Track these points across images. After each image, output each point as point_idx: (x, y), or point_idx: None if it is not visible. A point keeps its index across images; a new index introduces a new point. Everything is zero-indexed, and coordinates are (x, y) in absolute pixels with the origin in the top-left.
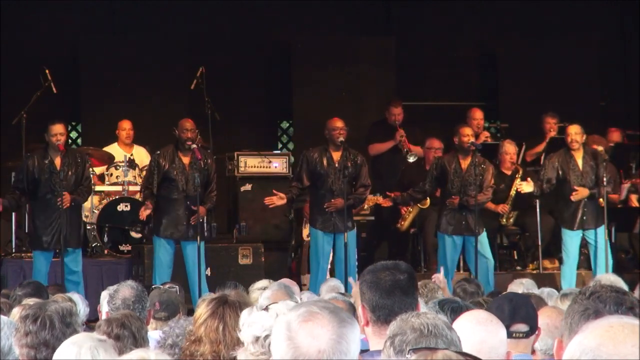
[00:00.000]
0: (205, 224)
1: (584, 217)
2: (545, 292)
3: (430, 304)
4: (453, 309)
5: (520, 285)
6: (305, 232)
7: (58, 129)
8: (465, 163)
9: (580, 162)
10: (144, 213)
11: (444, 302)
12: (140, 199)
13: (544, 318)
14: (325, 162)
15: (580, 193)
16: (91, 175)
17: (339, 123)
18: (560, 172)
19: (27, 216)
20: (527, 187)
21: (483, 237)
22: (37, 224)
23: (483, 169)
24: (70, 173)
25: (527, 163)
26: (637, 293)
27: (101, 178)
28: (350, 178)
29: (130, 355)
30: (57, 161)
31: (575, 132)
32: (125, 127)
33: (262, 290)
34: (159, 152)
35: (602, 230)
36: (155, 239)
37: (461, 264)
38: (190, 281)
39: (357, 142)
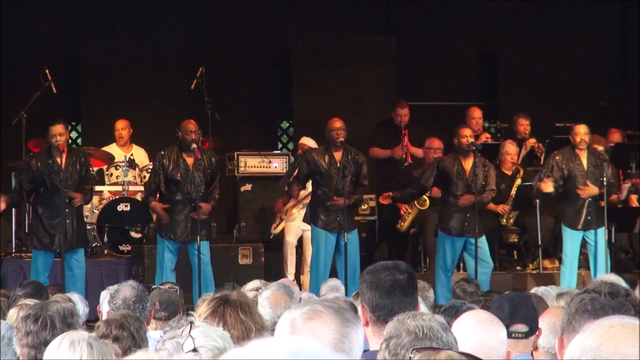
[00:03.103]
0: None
1: (589, 217)
2: (540, 291)
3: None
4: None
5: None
6: (279, 227)
7: (57, 129)
8: (467, 165)
9: (585, 161)
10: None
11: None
12: (141, 200)
13: (551, 317)
14: (326, 162)
15: (589, 190)
16: (94, 176)
17: (337, 123)
18: (565, 172)
19: (26, 216)
20: (547, 187)
21: (483, 242)
22: (39, 223)
23: (486, 171)
24: (74, 173)
25: (525, 163)
26: (637, 293)
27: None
28: (352, 177)
29: (133, 356)
30: (61, 161)
31: (584, 132)
32: (118, 127)
33: (255, 292)
34: (162, 152)
35: (602, 231)
36: (158, 240)
37: (461, 264)
38: (195, 281)
39: (357, 142)
